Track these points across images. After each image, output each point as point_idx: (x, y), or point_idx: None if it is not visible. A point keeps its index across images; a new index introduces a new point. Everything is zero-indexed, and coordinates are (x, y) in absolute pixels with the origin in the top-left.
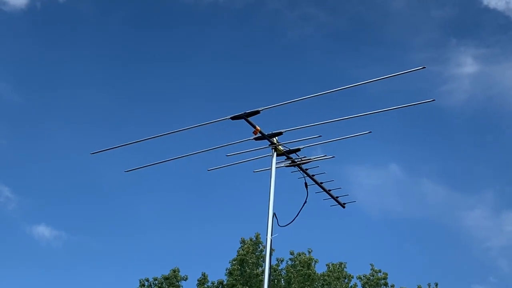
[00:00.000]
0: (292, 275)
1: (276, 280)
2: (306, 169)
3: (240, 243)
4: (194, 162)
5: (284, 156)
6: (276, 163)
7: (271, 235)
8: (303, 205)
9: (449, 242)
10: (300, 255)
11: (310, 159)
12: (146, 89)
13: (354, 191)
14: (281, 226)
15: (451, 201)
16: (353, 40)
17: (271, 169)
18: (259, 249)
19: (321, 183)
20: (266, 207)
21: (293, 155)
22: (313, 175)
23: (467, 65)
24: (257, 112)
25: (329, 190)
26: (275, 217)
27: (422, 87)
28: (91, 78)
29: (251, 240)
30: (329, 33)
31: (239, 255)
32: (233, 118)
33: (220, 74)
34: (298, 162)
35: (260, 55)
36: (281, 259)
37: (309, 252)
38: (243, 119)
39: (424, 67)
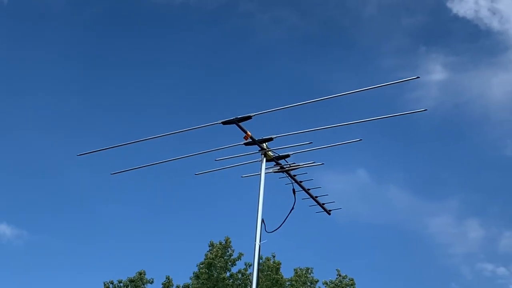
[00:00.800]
0: (261, 280)
1: (244, 284)
2: (294, 175)
3: (209, 246)
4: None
5: (273, 162)
6: (265, 168)
7: (260, 241)
8: (290, 211)
9: (414, 248)
10: (268, 260)
11: (298, 165)
12: (112, 93)
13: (321, 196)
14: (268, 232)
15: (416, 207)
16: (325, 44)
17: (260, 174)
18: (228, 253)
19: (308, 189)
20: (240, 211)
21: (282, 161)
22: (301, 182)
23: (436, 73)
24: (249, 117)
25: (316, 197)
26: (263, 223)
27: (391, 93)
28: (59, 78)
29: (220, 243)
30: (301, 36)
31: (207, 259)
32: (224, 123)
33: (189, 76)
34: (286, 168)
35: (231, 57)
36: (249, 263)
37: (273, 257)
38: (234, 124)
39: (418, 77)
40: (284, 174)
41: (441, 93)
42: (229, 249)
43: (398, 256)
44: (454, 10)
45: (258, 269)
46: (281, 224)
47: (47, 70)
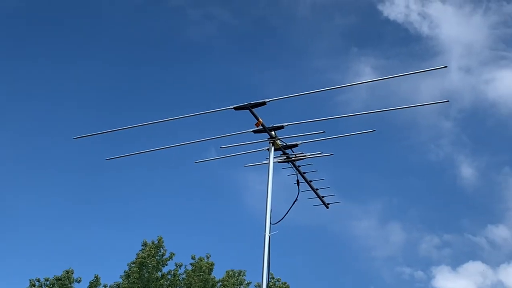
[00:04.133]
0: (193, 280)
1: (174, 285)
2: (299, 166)
3: (142, 245)
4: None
5: (280, 151)
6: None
7: (270, 233)
8: (293, 203)
9: (338, 251)
10: (202, 260)
11: (305, 155)
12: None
13: (246, 196)
14: (272, 224)
15: (341, 210)
16: (256, 43)
17: (268, 163)
18: (160, 253)
19: (310, 181)
20: (173, 208)
21: (288, 151)
22: (304, 173)
23: (365, 75)
24: (263, 103)
25: (317, 189)
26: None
27: (321, 96)
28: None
29: (153, 243)
30: (232, 34)
31: (139, 258)
32: (236, 108)
33: (113, 71)
34: (292, 158)
35: (159, 52)
36: (180, 264)
37: (208, 257)
38: (247, 110)
39: (446, 66)
40: (289, 165)
41: (368, 96)
42: (161, 248)
43: (322, 259)
44: (385, 13)
45: (269, 264)
46: (284, 216)
47: None
